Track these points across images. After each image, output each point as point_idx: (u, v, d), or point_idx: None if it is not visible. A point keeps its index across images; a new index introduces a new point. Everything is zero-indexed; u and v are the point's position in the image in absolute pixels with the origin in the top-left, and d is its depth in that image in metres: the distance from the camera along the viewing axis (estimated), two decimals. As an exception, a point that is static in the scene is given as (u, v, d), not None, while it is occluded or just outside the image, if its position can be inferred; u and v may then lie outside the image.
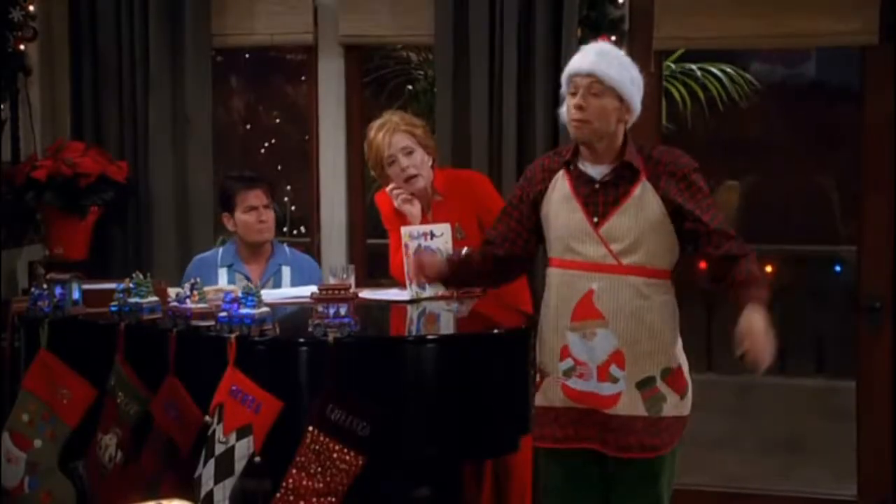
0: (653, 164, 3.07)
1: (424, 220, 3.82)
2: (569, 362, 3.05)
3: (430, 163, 3.88)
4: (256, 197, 4.18)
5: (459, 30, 4.48)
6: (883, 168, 4.37)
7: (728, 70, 6.84)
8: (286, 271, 4.23)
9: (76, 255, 4.67)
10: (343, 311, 3.00)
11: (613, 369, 3.02)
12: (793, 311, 7.56)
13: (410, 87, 7.12)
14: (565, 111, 3.13)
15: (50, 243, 4.74)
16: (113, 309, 3.38)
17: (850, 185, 4.50)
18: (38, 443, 3.50)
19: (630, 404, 3.02)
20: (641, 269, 3.02)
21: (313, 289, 3.12)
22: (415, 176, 3.81)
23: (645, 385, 3.04)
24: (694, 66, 6.82)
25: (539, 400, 3.13)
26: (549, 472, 3.23)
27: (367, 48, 5.32)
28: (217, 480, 2.94)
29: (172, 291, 3.42)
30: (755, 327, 2.81)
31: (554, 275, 3.12)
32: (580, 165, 3.10)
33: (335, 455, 2.93)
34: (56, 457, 3.50)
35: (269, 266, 4.23)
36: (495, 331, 3.24)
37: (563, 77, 3.13)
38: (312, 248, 4.94)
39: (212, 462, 2.97)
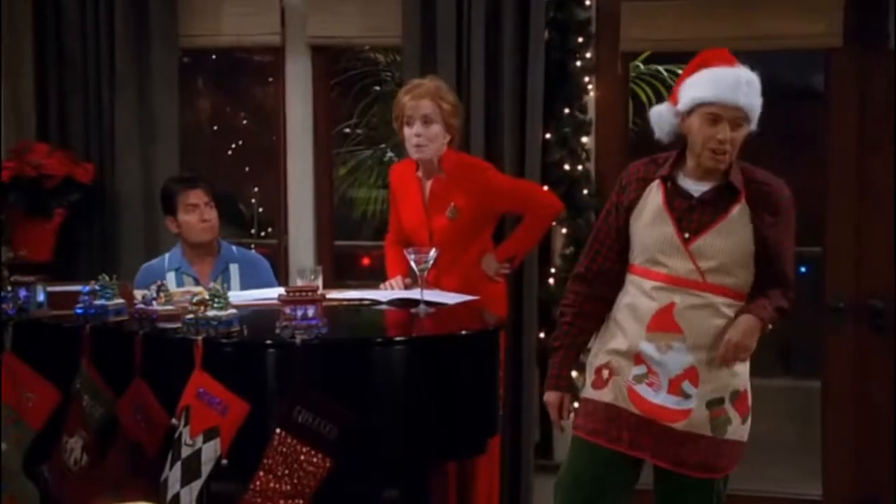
0: (755, 188, 3.04)
1: (419, 197, 3.91)
2: (642, 368, 3.04)
3: (445, 139, 3.89)
4: (196, 196, 4.15)
5: (426, 31, 4.49)
6: (847, 168, 4.40)
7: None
8: (234, 269, 4.20)
9: (41, 257, 4.64)
10: (311, 312, 2.99)
11: (686, 385, 3.01)
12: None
13: (378, 87, 7.12)
14: (665, 111, 3.10)
15: (14, 245, 4.70)
16: (78, 311, 3.36)
17: (815, 185, 4.51)
18: (3, 446, 3.46)
19: (698, 422, 3.02)
20: (724, 288, 3.02)
21: (281, 290, 3.11)
22: (422, 146, 3.85)
23: (714, 405, 3.03)
24: (661, 68, 6.86)
25: (600, 395, 3.10)
26: (580, 459, 3.17)
27: (335, 49, 5.31)
28: (184, 483, 2.93)
29: (138, 293, 3.40)
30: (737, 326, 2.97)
31: (635, 282, 3.09)
32: (679, 180, 3.06)
33: (302, 457, 2.92)
34: (21, 461, 3.47)
35: (217, 265, 4.20)
36: (464, 332, 3.24)
37: (701, 95, 2.99)
38: (280, 250, 4.93)
39: (178, 465, 2.95)
